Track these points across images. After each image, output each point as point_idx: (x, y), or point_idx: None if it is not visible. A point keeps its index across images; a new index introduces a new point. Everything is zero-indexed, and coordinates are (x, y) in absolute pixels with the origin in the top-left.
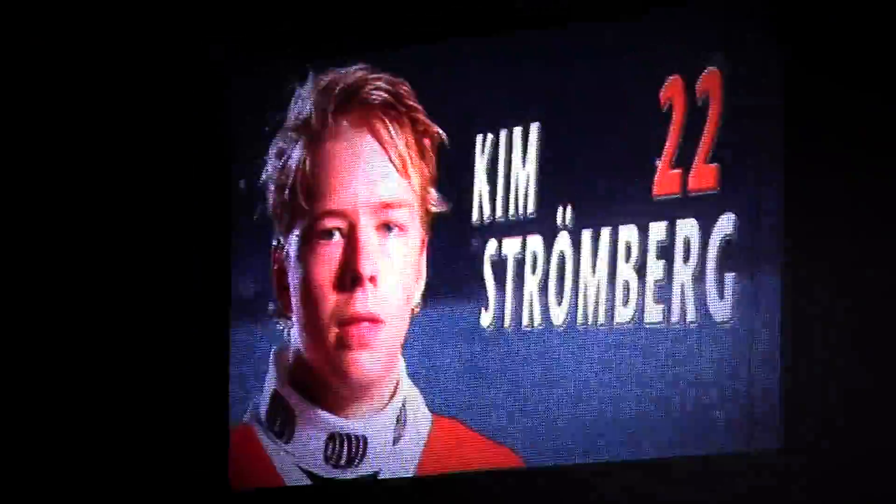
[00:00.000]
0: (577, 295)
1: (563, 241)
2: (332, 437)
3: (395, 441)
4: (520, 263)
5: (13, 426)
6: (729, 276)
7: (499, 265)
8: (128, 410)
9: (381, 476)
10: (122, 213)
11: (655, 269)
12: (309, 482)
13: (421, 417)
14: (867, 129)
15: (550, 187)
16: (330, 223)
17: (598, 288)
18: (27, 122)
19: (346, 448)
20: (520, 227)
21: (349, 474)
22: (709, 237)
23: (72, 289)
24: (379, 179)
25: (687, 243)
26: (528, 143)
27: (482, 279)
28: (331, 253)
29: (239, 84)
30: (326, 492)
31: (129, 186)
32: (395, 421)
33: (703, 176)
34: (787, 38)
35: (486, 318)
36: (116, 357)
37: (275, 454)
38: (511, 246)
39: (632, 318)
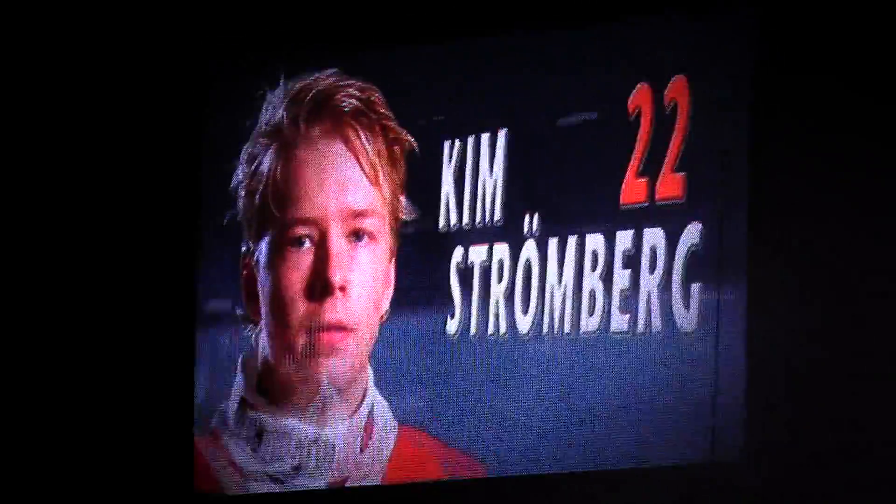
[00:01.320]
0: (543, 303)
1: (529, 249)
2: (300, 445)
3: (362, 449)
4: (486, 271)
5: None
6: (695, 287)
7: (465, 273)
8: (94, 416)
9: (348, 484)
10: (90, 216)
11: (622, 278)
12: (276, 489)
13: (387, 426)
14: (835, 139)
15: (517, 195)
16: (300, 231)
17: (565, 296)
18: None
19: (313, 456)
20: (487, 234)
21: (318, 482)
22: (675, 247)
23: (36, 293)
24: (350, 187)
25: (654, 252)
26: (496, 150)
27: (449, 287)
28: (301, 261)
29: (211, 88)
30: (293, 500)
31: (98, 188)
32: (362, 429)
33: (670, 185)
34: (755, 46)
35: (452, 326)
36: (82, 363)
37: (243, 461)
38: (478, 253)
39: (598, 328)
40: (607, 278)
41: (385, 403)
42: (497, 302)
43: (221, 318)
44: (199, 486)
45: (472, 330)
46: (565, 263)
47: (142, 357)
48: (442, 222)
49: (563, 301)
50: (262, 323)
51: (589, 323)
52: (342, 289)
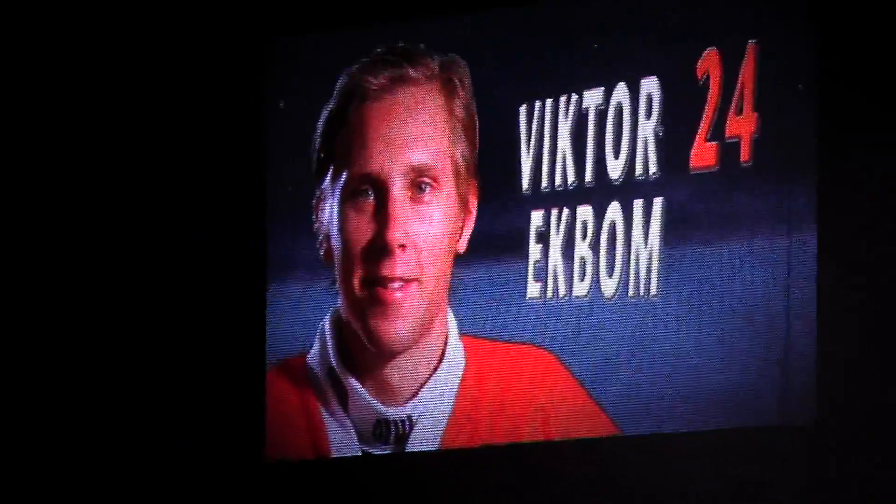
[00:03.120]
0: (628, 266)
1: (613, 211)
2: (379, 423)
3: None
4: (569, 232)
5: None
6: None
7: (545, 234)
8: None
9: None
10: (163, 180)
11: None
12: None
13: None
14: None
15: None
16: (365, 184)
17: (650, 259)
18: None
19: (392, 430)
20: (566, 197)
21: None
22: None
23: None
24: (414, 144)
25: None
26: (569, 116)
27: (528, 248)
28: (363, 218)
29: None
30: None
31: (164, 133)
32: (442, 392)
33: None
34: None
35: (534, 289)
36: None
37: (333, 426)
38: (558, 216)
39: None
40: (681, 241)
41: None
42: (581, 264)
43: (300, 266)
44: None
45: (558, 292)
46: (652, 225)
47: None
48: (525, 184)
49: (649, 263)
50: (336, 270)
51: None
52: (402, 247)
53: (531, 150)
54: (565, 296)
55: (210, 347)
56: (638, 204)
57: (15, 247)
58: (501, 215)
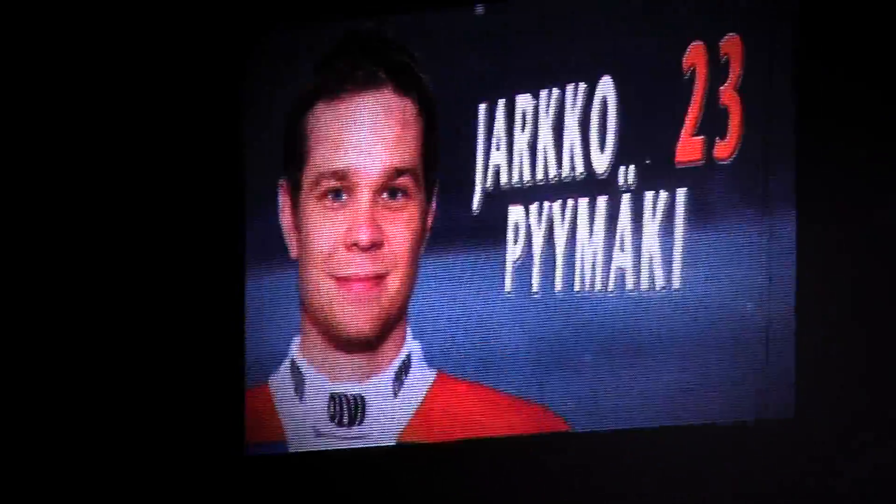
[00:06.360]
0: (607, 261)
1: (586, 207)
2: (332, 398)
3: (395, 395)
4: (547, 227)
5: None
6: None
7: (521, 229)
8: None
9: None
10: (140, 177)
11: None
12: (319, 442)
13: (422, 374)
14: (881, 100)
15: (571, 154)
16: (335, 183)
17: (623, 254)
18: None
19: (346, 409)
20: (540, 191)
21: (353, 432)
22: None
23: (90, 248)
24: (386, 146)
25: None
26: (539, 112)
27: (504, 242)
28: (335, 215)
29: (251, 57)
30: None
31: (138, 127)
32: (394, 378)
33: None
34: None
35: (508, 282)
36: (135, 317)
37: (289, 412)
38: (533, 211)
39: (663, 285)
40: (666, 235)
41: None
42: (555, 259)
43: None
44: (251, 437)
45: (531, 287)
46: (620, 220)
47: (194, 306)
48: (489, 181)
49: (621, 259)
50: (299, 263)
51: (647, 281)
52: (375, 245)
53: (510, 145)
54: (539, 291)
55: (189, 345)
56: (625, 199)
57: None
58: (472, 210)
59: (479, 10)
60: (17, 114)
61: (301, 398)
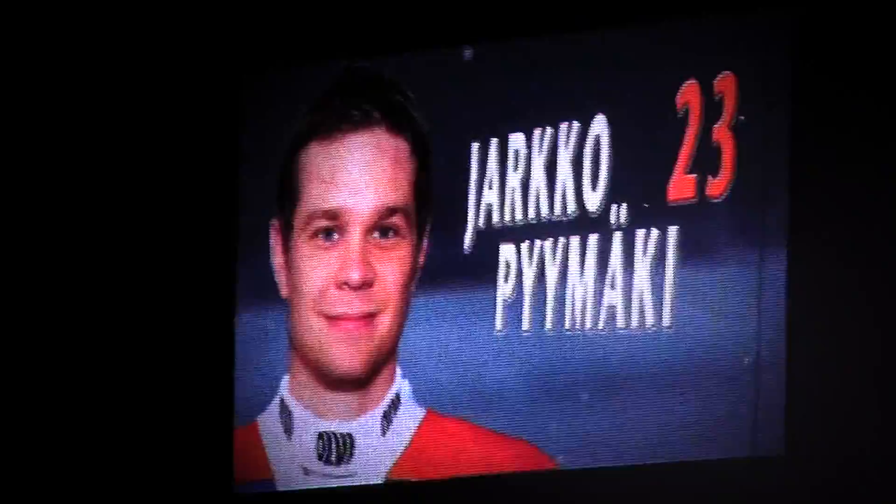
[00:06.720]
0: (598, 299)
1: (577, 245)
2: (320, 437)
3: (384, 433)
4: (538, 265)
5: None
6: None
7: (511, 268)
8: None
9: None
10: (132, 211)
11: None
12: (308, 480)
13: (411, 412)
14: (871, 135)
15: (563, 192)
16: (327, 222)
17: (613, 292)
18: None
19: (334, 447)
20: (532, 230)
21: (341, 470)
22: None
23: (73, 281)
24: (379, 183)
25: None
26: (531, 151)
27: (495, 280)
28: (327, 254)
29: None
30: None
31: (133, 157)
32: (383, 416)
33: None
34: (795, 46)
35: (498, 321)
36: (123, 350)
37: (277, 451)
38: (524, 249)
39: (653, 323)
40: (658, 273)
41: (410, 390)
42: (546, 297)
43: (265, 296)
44: (239, 477)
45: (522, 325)
46: (611, 258)
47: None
48: (482, 219)
49: (611, 297)
50: (289, 303)
51: (637, 319)
52: (366, 284)
53: (502, 184)
54: (530, 329)
55: (179, 383)
56: (617, 237)
57: None
58: (464, 249)
59: (468, 55)
60: (18, 139)
61: (290, 436)
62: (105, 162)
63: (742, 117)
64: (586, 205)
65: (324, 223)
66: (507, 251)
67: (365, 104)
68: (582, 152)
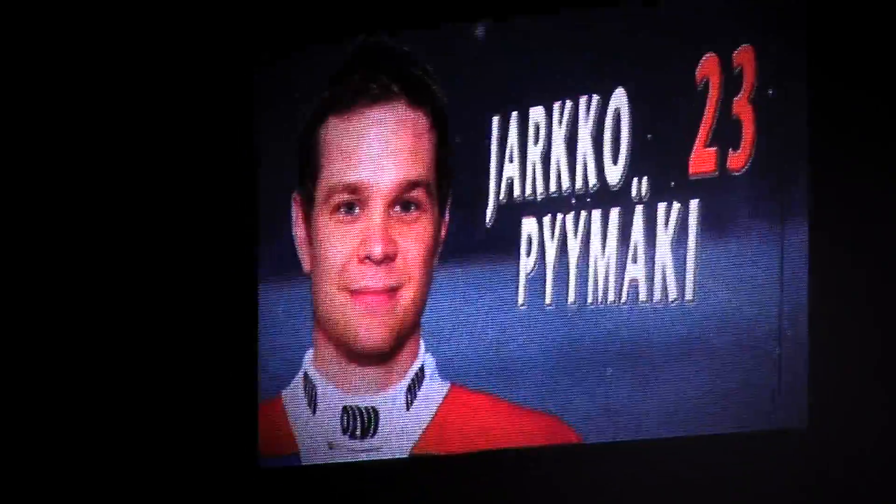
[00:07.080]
0: (621, 273)
1: (600, 219)
2: (345, 410)
3: (408, 407)
4: (561, 240)
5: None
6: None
7: (533, 242)
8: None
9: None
10: (156, 191)
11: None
12: (332, 454)
13: (435, 387)
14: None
15: (585, 165)
16: (348, 196)
17: (635, 266)
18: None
19: (357, 420)
20: (554, 204)
21: (365, 444)
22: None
23: (99, 261)
24: (399, 157)
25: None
26: (552, 124)
27: (506, 254)
28: (349, 228)
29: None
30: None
31: (153, 136)
32: (407, 390)
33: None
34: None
35: (520, 296)
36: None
37: (302, 425)
38: (546, 223)
39: (675, 297)
40: (679, 246)
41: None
42: (568, 271)
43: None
44: (264, 451)
45: (545, 299)
46: (633, 231)
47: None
48: (503, 194)
49: (634, 271)
50: (312, 283)
51: (660, 293)
52: (388, 258)
53: (523, 158)
54: (552, 303)
55: (203, 358)
56: (638, 210)
57: None
58: (485, 223)
59: (480, 32)
60: (35, 137)
61: (314, 411)
62: (127, 142)
63: (770, 91)
64: (607, 178)
65: (345, 197)
66: (528, 225)
67: (383, 78)
68: (602, 126)
